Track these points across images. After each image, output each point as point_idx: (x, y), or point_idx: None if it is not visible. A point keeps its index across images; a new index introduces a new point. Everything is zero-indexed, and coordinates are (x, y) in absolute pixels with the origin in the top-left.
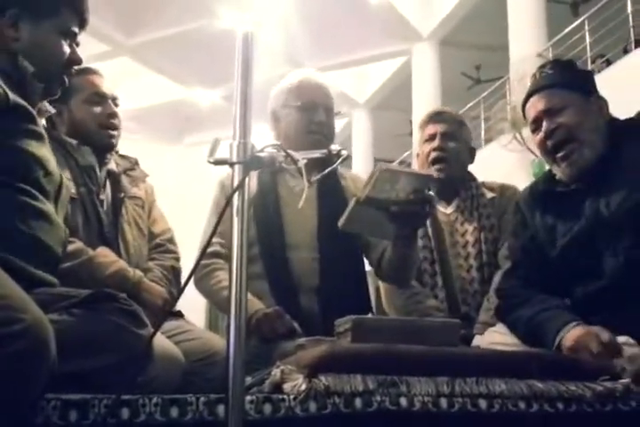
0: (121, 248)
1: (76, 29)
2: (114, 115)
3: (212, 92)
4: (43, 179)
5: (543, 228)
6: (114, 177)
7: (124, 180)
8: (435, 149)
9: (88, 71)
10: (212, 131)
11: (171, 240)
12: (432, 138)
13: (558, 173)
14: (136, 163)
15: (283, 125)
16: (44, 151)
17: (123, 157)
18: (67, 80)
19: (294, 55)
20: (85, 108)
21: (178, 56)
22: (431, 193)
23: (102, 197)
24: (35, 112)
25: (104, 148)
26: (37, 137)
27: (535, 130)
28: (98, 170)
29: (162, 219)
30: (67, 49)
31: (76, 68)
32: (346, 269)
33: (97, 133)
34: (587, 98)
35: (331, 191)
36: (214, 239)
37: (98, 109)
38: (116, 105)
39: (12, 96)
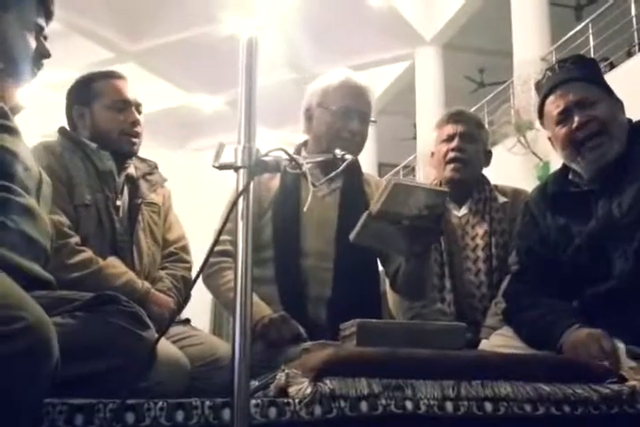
0: (135, 257)
1: (42, 22)
2: (136, 122)
3: (216, 98)
4: (23, 174)
5: (555, 229)
6: (132, 182)
7: (143, 185)
8: (453, 150)
9: (113, 75)
10: (215, 136)
11: (184, 249)
12: (450, 138)
13: (579, 168)
14: (155, 167)
15: (314, 125)
16: (21, 147)
17: (142, 160)
18: (36, 74)
19: (297, 60)
20: (108, 114)
21: (181, 62)
22: (446, 197)
23: (118, 203)
24: (7, 108)
25: (124, 154)
26: (12, 132)
27: (561, 121)
28: (116, 175)
29: (177, 225)
30: (33, 42)
31: (102, 71)
32: (359, 281)
33: (118, 140)
34: (611, 96)
35: (353, 199)
36: (225, 237)
37: (121, 116)
38: (139, 112)
39: None
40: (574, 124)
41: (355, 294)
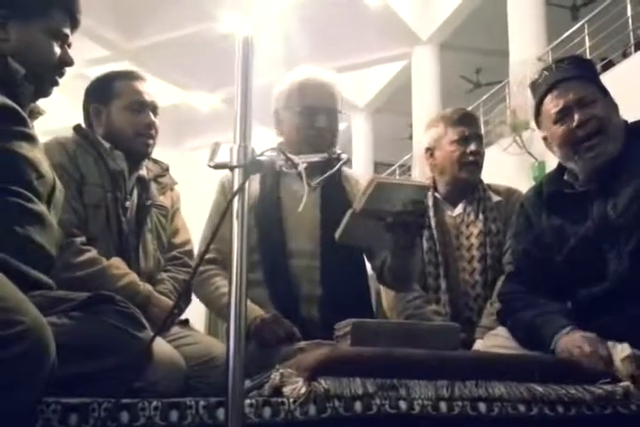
0: (141, 257)
1: (67, 31)
2: (151, 124)
3: (212, 96)
4: (35, 181)
5: (550, 229)
6: (143, 184)
7: (153, 187)
8: (472, 153)
9: (134, 76)
10: (211, 135)
11: (189, 253)
12: (465, 139)
13: (576, 167)
14: (167, 169)
15: (284, 128)
16: (36, 153)
17: (155, 161)
18: (58, 81)
19: (294, 59)
20: (124, 114)
21: (178, 60)
22: (428, 191)
23: (128, 204)
24: (26, 114)
25: (137, 155)
26: (29, 139)
27: (559, 120)
28: (127, 176)
29: (184, 229)
30: (57, 50)
31: (122, 71)
32: (348, 277)
33: (132, 141)
34: (607, 96)
35: (334, 196)
36: (212, 246)
37: (136, 118)
38: (155, 115)
39: (1, 98)
40: (574, 123)
41: (344, 291)
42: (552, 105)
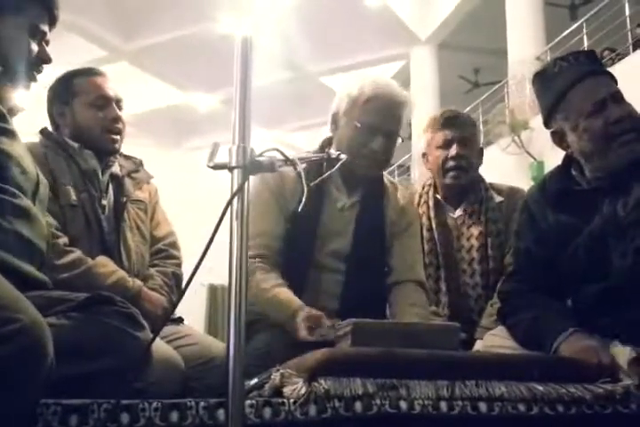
0: (122, 255)
1: (44, 27)
2: (117, 119)
3: (211, 97)
4: (19, 176)
5: (556, 226)
6: (117, 180)
7: (128, 182)
8: (453, 158)
9: (93, 73)
10: (210, 135)
11: (173, 245)
12: (447, 144)
13: (601, 163)
14: (140, 164)
15: (339, 133)
16: (18, 149)
17: (127, 157)
18: (36, 78)
19: (293, 59)
20: (89, 111)
21: (176, 61)
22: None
23: (104, 202)
24: (4, 110)
25: (107, 152)
26: (9, 135)
27: (594, 113)
28: (100, 174)
29: (165, 221)
30: (34, 47)
31: (80, 69)
32: (369, 295)
33: (100, 138)
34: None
35: (371, 217)
36: (258, 241)
37: (101, 113)
38: (120, 108)
39: None
40: (612, 118)
41: (363, 308)
42: (586, 97)
